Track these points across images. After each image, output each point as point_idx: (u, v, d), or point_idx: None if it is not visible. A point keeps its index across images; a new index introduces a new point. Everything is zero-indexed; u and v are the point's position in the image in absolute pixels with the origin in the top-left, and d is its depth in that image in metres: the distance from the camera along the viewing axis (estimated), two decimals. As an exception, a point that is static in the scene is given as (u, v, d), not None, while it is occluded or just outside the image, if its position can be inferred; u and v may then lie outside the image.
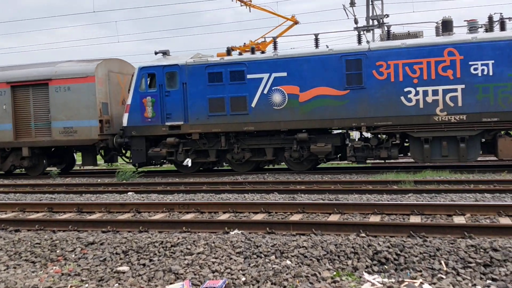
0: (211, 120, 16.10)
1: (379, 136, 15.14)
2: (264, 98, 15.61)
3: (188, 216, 8.96)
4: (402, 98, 14.52)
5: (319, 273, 5.60)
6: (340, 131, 16.05)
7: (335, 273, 5.68)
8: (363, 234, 6.96)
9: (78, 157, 20.46)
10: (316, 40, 15.76)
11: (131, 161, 17.89)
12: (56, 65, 17.87)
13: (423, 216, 8.02)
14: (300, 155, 15.66)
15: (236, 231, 7.53)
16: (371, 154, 15.20)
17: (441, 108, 14.27)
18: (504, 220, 7.53)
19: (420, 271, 5.54)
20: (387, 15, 25.66)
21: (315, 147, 15.31)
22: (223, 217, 8.71)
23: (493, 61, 13.84)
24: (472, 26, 14.98)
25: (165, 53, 17.21)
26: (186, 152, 16.57)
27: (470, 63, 14.01)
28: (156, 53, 17.34)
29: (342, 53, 15.02)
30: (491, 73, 13.87)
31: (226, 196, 10.99)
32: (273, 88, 15.53)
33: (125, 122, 17.02)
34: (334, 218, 8.18)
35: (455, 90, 14.16)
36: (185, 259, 6.24)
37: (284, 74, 15.43)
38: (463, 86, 14.08)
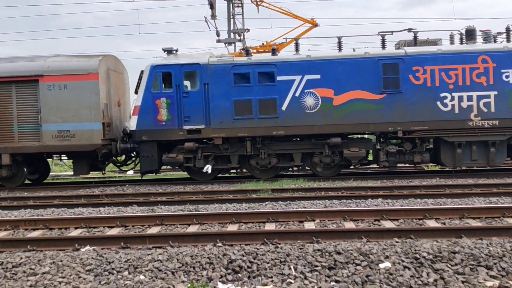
0: (236, 123, 15.01)
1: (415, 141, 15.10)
2: (296, 101, 14.90)
3: (35, 233, 8.47)
4: (438, 103, 14.70)
5: (173, 286, 5.63)
6: (366, 136, 15.86)
7: (189, 285, 5.72)
8: (219, 244, 7.04)
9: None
10: (339, 43, 15.43)
11: (127, 168, 16.11)
12: (46, 59, 15.57)
13: (278, 223, 8.34)
14: (331, 160, 15.16)
15: (87, 247, 7.22)
16: (403, 159, 15.16)
17: (475, 114, 14.65)
18: (349, 224, 8.05)
19: (271, 277, 5.75)
20: (248, 30, 25.02)
21: (349, 152, 14.92)
22: (75, 233, 8.37)
23: (523, 69, 14.53)
24: (487, 36, 15.63)
25: (176, 50, 15.76)
26: (205, 158, 15.28)
27: (502, 70, 14.58)
28: (164, 50, 15.85)
29: (379, 57, 14.85)
30: (521, 80, 14.55)
31: (79, 211, 10.50)
32: (305, 91, 14.88)
33: (133, 125, 15.28)
34: (192, 229, 8.23)
35: (489, 96, 14.63)
36: (28, 280, 5.98)
37: (318, 76, 14.87)
38: (495, 92, 14.59)
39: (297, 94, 14.90)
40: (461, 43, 15.38)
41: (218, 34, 23.53)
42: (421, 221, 8.15)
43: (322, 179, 14.66)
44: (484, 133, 14.72)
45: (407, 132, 14.82)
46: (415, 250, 5.98)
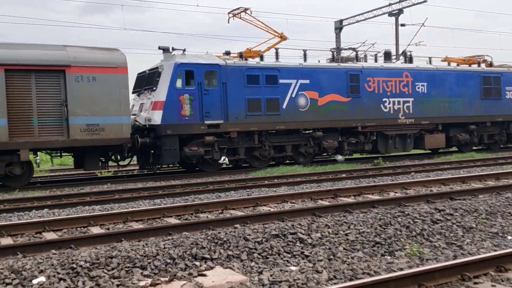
0: (248, 119, 17.05)
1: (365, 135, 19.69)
2: (292, 101, 17.85)
3: None
4: (381, 105, 19.71)
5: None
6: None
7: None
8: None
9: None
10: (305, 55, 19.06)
11: (124, 163, 16.32)
12: (65, 49, 14.58)
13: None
14: (314, 150, 18.57)
15: None
16: (358, 149, 19.64)
17: (401, 114, 20.19)
18: (5, 241, 7.38)
19: None
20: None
21: (326, 143, 18.63)
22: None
23: (426, 83, 20.73)
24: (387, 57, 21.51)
25: (184, 50, 16.75)
26: (221, 151, 16.80)
27: (416, 83, 20.50)
28: (173, 49, 16.67)
29: (347, 69, 18.99)
30: (425, 91, 20.72)
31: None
32: (299, 93, 17.97)
33: (158, 120, 15.75)
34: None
35: (409, 102, 20.36)
36: None
37: (307, 81, 18.14)
38: (412, 99, 20.42)
39: (293, 95, 17.88)
40: (376, 61, 20.74)
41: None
42: (85, 228, 8.08)
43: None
44: (406, 128, 20.40)
45: (363, 127, 19.38)
46: (73, 260, 5.70)
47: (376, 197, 10.30)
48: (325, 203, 9.79)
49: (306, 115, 18.14)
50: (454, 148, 22.96)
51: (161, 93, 15.93)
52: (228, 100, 16.75)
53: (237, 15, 19.03)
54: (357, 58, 20.23)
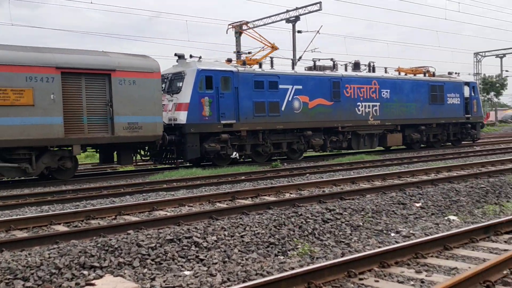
0: (255, 119, 19.44)
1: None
2: (289, 104, 20.48)
3: None
4: (356, 109, 22.89)
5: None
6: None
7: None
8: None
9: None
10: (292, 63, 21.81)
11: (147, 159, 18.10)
12: (108, 55, 16.13)
13: None
14: (304, 147, 21.31)
15: None
16: (337, 146, 22.66)
17: (371, 116, 23.51)
18: None
19: None
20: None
21: (314, 141, 21.45)
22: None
23: (389, 90, 24.24)
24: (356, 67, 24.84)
25: (200, 57, 18.80)
26: (233, 147, 19.03)
27: (382, 90, 23.93)
28: (191, 56, 18.68)
29: (330, 76, 21.95)
30: (388, 96, 24.21)
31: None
32: (294, 97, 20.63)
33: (183, 119, 17.72)
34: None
35: (376, 106, 23.73)
36: None
37: (300, 87, 20.85)
38: (379, 103, 23.81)
39: (290, 99, 20.52)
40: (345, 70, 23.91)
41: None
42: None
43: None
44: (374, 128, 23.76)
45: (342, 127, 22.43)
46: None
47: (272, 198, 10.49)
48: (223, 205, 9.81)
49: (300, 116, 20.85)
50: (394, 147, 26.77)
51: (185, 95, 17.91)
52: (239, 103, 19.05)
53: (236, 27, 21.31)
54: (334, 67, 23.28)
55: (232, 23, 21.28)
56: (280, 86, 20.32)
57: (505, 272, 5.30)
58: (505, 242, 6.84)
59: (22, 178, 15.67)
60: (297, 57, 28.89)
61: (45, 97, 14.69)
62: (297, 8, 32.26)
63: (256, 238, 6.98)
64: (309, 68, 22.92)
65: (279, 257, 6.52)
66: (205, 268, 5.90)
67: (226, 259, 6.24)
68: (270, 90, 20.00)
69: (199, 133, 18.15)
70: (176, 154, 18.33)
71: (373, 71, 24.71)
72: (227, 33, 21.58)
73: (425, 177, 13.41)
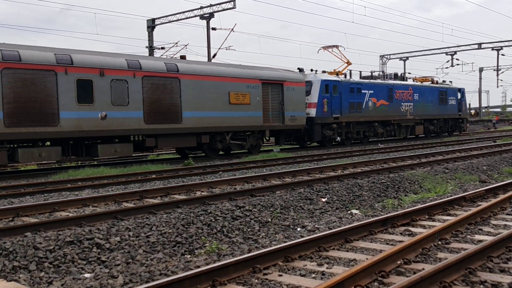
0: (350, 114, 28.10)
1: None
2: (367, 104, 29.30)
3: None
4: (400, 107, 32.09)
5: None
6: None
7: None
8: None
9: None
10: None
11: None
12: (278, 70, 24.17)
13: None
14: (371, 135, 30.16)
15: None
16: (389, 134, 31.76)
17: (408, 112, 32.79)
18: None
19: None
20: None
21: (379, 130, 30.36)
22: None
23: (418, 94, 33.64)
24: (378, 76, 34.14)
25: (316, 71, 27.16)
26: (338, 133, 27.59)
27: (414, 94, 33.29)
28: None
29: (388, 84, 30.99)
30: (417, 99, 33.60)
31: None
32: (369, 98, 29.47)
33: (313, 114, 26.10)
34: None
35: (411, 105, 33.06)
36: None
37: (372, 91, 29.73)
38: (412, 104, 33.15)
39: (367, 100, 29.34)
40: (394, 79, 33.10)
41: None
42: None
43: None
44: (410, 122, 33.09)
45: (393, 120, 31.50)
46: None
47: (182, 197, 10.18)
48: (130, 205, 9.43)
49: (371, 112, 29.72)
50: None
51: (314, 97, 26.26)
52: (342, 103, 27.61)
53: (327, 49, 29.85)
54: (384, 77, 32.43)
55: (325, 46, 29.72)
56: (363, 91, 29.08)
57: (398, 262, 5.39)
58: (401, 234, 6.97)
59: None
60: (212, 54, 32.68)
61: (255, 99, 22.58)
62: (211, 5, 31.99)
63: (163, 238, 6.86)
64: (365, 77, 31.85)
65: (185, 256, 6.39)
66: (107, 270, 5.73)
67: (130, 260, 6.10)
68: (358, 93, 28.72)
69: (321, 123, 26.55)
70: (307, 137, 26.63)
71: (405, 79, 34.12)
72: (318, 52, 29.85)
73: (332, 173, 13.71)
